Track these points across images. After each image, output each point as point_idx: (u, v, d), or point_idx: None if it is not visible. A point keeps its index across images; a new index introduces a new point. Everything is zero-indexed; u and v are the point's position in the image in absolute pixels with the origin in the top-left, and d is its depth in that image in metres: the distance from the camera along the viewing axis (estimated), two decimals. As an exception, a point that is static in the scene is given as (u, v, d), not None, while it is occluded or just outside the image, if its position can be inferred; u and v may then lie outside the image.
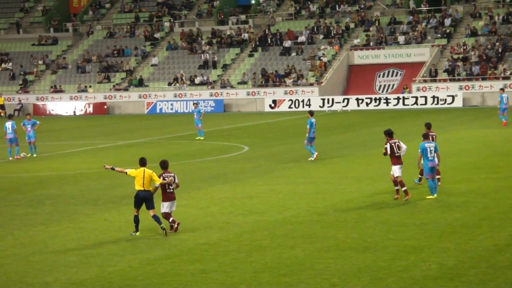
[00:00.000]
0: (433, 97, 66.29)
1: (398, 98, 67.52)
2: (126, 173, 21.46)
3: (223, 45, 78.46)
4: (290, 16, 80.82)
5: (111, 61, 79.43)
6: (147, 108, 73.10)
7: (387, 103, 67.58)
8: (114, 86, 76.59)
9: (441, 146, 28.39)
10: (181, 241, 20.13)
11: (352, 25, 77.46)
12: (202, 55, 77.06)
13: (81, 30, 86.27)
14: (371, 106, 67.57)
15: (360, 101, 68.03)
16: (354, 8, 79.46)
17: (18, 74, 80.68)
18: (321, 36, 76.48)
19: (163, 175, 21.41)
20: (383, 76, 72.39)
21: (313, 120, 35.24)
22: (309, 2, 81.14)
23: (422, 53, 71.63)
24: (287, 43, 76.03)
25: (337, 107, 67.47)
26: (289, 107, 69.10)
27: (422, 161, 25.20)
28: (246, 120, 59.67)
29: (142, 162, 21.43)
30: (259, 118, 61.76)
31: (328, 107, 67.95)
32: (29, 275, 17.31)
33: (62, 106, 75.36)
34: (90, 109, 74.36)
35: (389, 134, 24.98)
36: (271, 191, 27.32)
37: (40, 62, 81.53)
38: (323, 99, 68.74)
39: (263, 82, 72.33)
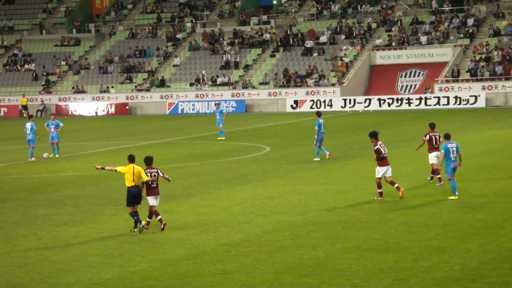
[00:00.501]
0: (456, 97, 65.98)
1: (420, 99, 67.26)
2: (116, 170, 21.90)
3: (244, 45, 78.49)
4: (312, 16, 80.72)
5: (133, 62, 79.67)
6: (168, 109, 73.25)
7: (409, 103, 67.33)
8: (136, 86, 76.80)
9: (463, 147, 28.30)
10: (202, 242, 20.14)
11: (374, 25, 77.26)
12: (224, 55, 77.12)
13: (103, 31, 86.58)
14: (393, 107, 67.35)
15: (382, 102, 67.83)
16: (376, 8, 79.26)
17: (41, 75, 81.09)
18: (343, 37, 76.34)
19: (146, 171, 21.69)
20: (405, 76, 72.15)
21: (321, 121, 35.54)
22: (331, 3, 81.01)
23: (444, 53, 71.33)
24: (309, 44, 75.95)
25: (358, 107, 67.31)
26: (311, 107, 69.00)
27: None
28: (267, 121, 59.63)
29: (131, 159, 21.92)
30: (280, 119, 61.72)
31: (350, 107, 67.80)
32: (52, 275, 17.37)
33: (84, 106, 75.65)
34: (112, 110, 74.61)
35: (374, 135, 25.29)
36: (292, 192, 27.29)
37: (63, 63, 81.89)
38: (345, 100, 68.61)
39: (285, 82, 72.28)
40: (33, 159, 39.06)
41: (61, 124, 40.94)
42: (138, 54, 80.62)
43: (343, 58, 73.23)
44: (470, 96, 65.83)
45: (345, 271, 16.84)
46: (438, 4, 76.85)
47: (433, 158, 26.95)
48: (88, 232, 21.86)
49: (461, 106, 65.38)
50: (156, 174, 21.74)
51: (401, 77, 72.26)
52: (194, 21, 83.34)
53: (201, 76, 74.90)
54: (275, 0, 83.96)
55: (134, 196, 21.53)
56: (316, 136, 35.19)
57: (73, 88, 78.26)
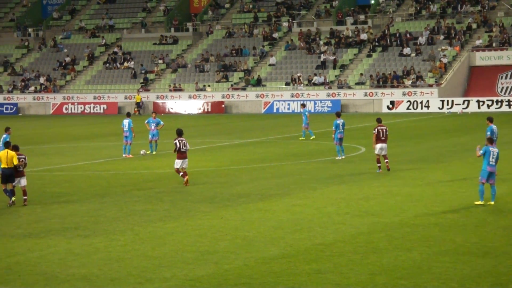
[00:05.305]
0: (558, 99, 64.40)
1: (521, 101, 65.90)
2: None
3: (341, 45, 78.17)
4: (410, 16, 79.86)
5: (229, 61, 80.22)
6: (264, 108, 73.50)
7: (509, 105, 65.98)
8: (232, 85, 77.32)
9: None
10: (297, 241, 20.12)
11: (474, 26, 75.95)
12: (320, 55, 76.95)
13: (200, 30, 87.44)
14: (492, 108, 66.07)
15: (481, 103, 66.63)
16: (476, 8, 77.90)
17: (139, 73, 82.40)
18: (442, 37, 75.27)
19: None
20: (505, 78, 70.70)
21: (339, 121, 35.82)
22: (430, 2, 79.97)
23: (546, 55, 69.69)
24: (407, 44, 75.14)
25: (456, 109, 66.29)
26: (407, 108, 68.29)
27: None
28: (363, 121, 59.21)
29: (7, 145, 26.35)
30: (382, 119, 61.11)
31: (448, 109, 66.83)
32: (148, 270, 17.60)
33: (181, 104, 76.53)
34: (208, 108, 75.26)
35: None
36: (388, 193, 27.04)
37: (161, 61, 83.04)
38: (442, 101, 67.65)
39: (381, 83, 71.71)
40: (130, 155, 39.68)
41: (161, 122, 41.37)
42: (235, 53, 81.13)
43: (441, 59, 72.21)
44: None
45: (441, 275, 16.58)
46: (541, 4, 75.12)
47: (377, 149, 31.61)
48: (183, 228, 22.08)
49: None
50: (24, 159, 26.13)
51: (501, 78, 70.85)
52: (290, 20, 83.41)
53: (296, 76, 74.91)
54: (373, 0, 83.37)
55: (6, 176, 25.78)
56: (333, 135, 35.96)
57: (170, 86, 79.27)
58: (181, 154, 29.47)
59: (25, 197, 26.30)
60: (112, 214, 24.54)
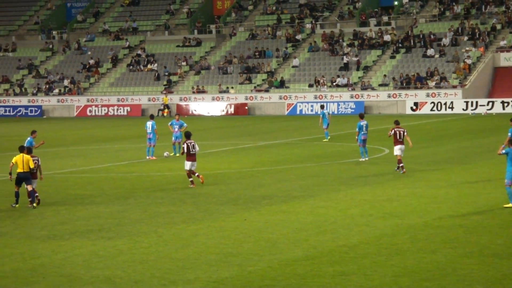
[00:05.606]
0: None
1: (546, 102, 65.41)
2: (12, 164, 26.57)
3: (364, 46, 77.99)
4: (434, 17, 79.55)
5: (252, 63, 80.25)
6: (287, 110, 73.45)
7: (534, 106, 65.54)
8: (255, 87, 77.34)
9: None
10: (320, 243, 20.08)
11: (498, 26, 75.52)
12: (343, 57, 76.82)
13: (224, 32, 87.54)
14: (517, 110, 65.68)
15: (505, 104, 66.20)
16: (500, 9, 77.45)
17: (162, 75, 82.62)
18: (466, 38, 74.91)
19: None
20: (530, 79, 70.26)
21: (362, 123, 35.89)
22: (453, 3, 79.61)
23: None
24: (430, 45, 74.85)
25: (481, 110, 65.93)
26: (431, 109, 68.00)
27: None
28: (386, 122, 58.99)
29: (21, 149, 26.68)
30: (400, 121, 60.92)
31: (472, 110, 66.49)
32: (172, 271, 17.63)
33: (204, 106, 76.65)
34: (232, 110, 75.33)
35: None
36: (411, 195, 26.93)
37: (184, 63, 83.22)
38: (467, 102, 67.31)
39: (405, 84, 71.46)
40: (153, 157, 39.77)
41: (185, 125, 41.43)
42: (258, 55, 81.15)
43: (465, 60, 71.87)
44: None
45: (466, 277, 16.49)
46: None
47: (396, 150, 32.13)
48: (207, 230, 22.09)
49: None
50: (37, 161, 26.66)
51: (526, 79, 70.39)
52: (313, 22, 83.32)
53: (320, 78, 74.82)
54: (396, 1, 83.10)
55: (21, 179, 26.27)
56: (356, 137, 36.11)
57: (193, 88, 79.41)
58: (190, 156, 29.96)
59: (30, 199, 26.55)
60: (135, 216, 24.60)
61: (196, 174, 30.20)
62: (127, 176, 34.14)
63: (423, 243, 19.69)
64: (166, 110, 75.06)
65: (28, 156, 26.39)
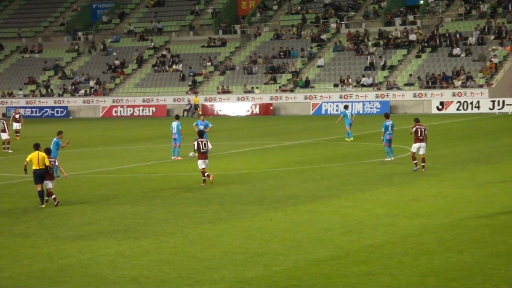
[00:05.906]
0: None
1: None
2: (26, 162, 26.86)
3: (390, 46, 77.75)
4: (460, 16, 79.15)
5: (277, 63, 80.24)
6: (312, 109, 73.37)
7: (561, 105, 65.06)
8: (280, 87, 77.32)
9: None
10: (346, 243, 20.04)
11: (525, 25, 75.06)
12: (369, 56, 76.62)
13: (248, 32, 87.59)
14: (544, 109, 65.24)
15: (532, 103, 65.81)
16: (527, 7, 76.99)
17: (187, 75, 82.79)
18: (492, 37, 74.47)
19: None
20: (557, 78, 69.72)
21: (388, 122, 35.80)
22: (480, 2, 79.17)
23: None
24: (456, 44, 74.47)
25: (508, 109, 65.53)
26: (457, 109, 67.68)
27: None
28: (412, 122, 58.74)
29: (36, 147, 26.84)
30: (426, 120, 60.56)
31: (499, 109, 66.10)
32: (198, 272, 17.66)
33: (229, 106, 76.71)
34: (257, 110, 75.35)
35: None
36: (437, 194, 26.82)
37: (209, 63, 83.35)
38: (493, 101, 66.92)
39: (431, 83, 71.15)
40: (178, 158, 39.86)
41: (210, 125, 41.46)
42: (283, 54, 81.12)
43: (492, 59, 71.45)
44: None
45: (493, 277, 16.39)
46: None
47: (414, 147, 32.46)
48: (232, 230, 22.11)
49: None
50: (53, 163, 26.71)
51: (552, 78, 69.89)
52: (338, 21, 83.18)
53: (345, 78, 74.68)
54: (422, 0, 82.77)
55: (38, 176, 26.35)
56: (382, 137, 36.01)
57: (218, 88, 79.50)
58: (202, 154, 30.39)
59: (47, 198, 26.88)
60: (161, 216, 24.67)
61: (206, 174, 30.49)
62: (153, 176, 34.25)
63: (449, 243, 19.61)
64: (199, 109, 74.48)
65: (43, 154, 26.58)
